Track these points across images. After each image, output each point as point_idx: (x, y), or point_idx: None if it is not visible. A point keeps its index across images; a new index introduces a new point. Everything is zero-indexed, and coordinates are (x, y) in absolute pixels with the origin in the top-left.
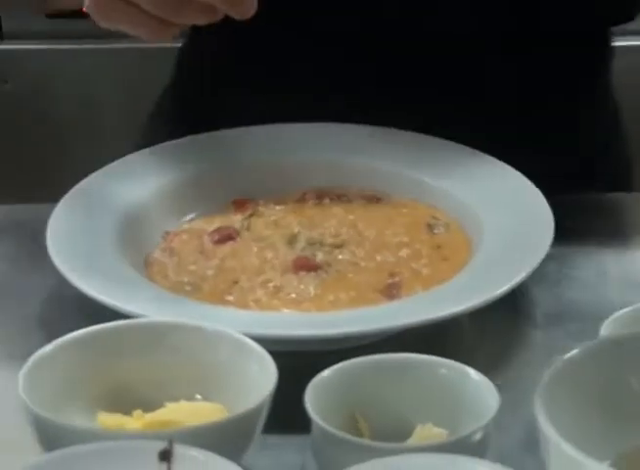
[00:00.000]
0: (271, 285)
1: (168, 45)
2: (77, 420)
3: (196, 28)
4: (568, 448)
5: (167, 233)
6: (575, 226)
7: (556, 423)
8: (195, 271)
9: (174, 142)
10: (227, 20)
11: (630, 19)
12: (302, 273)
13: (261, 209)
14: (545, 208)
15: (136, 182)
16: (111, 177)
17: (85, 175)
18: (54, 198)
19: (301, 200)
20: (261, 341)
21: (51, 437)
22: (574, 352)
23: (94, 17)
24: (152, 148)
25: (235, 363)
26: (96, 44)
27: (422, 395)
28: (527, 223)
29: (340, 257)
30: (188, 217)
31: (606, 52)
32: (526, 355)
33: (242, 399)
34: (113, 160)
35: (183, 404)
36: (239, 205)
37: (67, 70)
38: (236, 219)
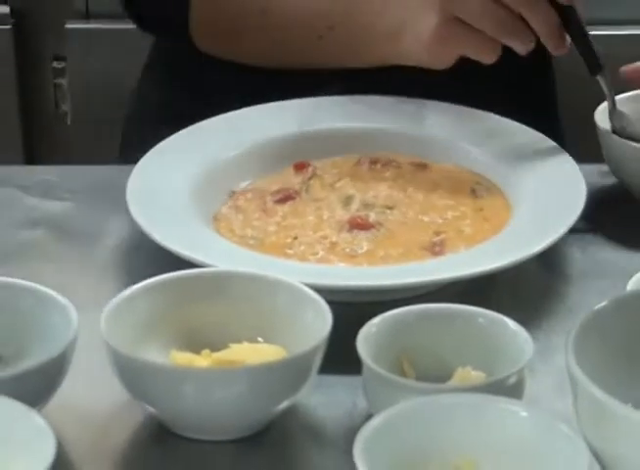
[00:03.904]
0: (328, 241)
1: None
2: (152, 357)
3: None
4: (595, 391)
5: (234, 192)
6: (604, 191)
7: (585, 368)
8: (258, 227)
9: (242, 110)
10: None
11: None
12: (356, 231)
13: (319, 172)
14: (577, 173)
15: (207, 146)
16: (184, 141)
17: (160, 140)
18: (131, 160)
19: (357, 165)
20: (318, 290)
21: (129, 372)
22: (603, 303)
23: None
24: (222, 115)
25: (294, 310)
26: None
27: (462, 341)
28: (562, 187)
29: (390, 217)
30: (252, 179)
31: None
32: (559, 308)
33: (299, 342)
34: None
35: (246, 346)
36: (299, 168)
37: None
38: (296, 181)
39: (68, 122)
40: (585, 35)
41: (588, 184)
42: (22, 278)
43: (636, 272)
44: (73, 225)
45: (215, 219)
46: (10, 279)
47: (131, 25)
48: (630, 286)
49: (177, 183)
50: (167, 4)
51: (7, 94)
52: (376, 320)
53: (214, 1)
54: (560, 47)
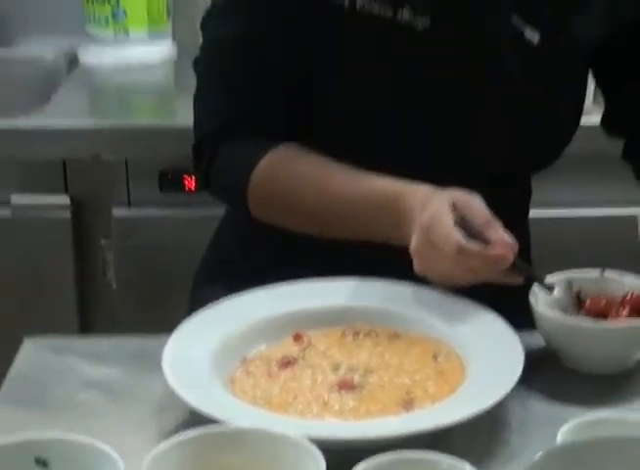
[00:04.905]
0: (321, 400)
1: None
2: None
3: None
4: None
5: (245, 359)
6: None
7: None
8: (265, 389)
9: (252, 294)
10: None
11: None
12: (344, 391)
13: (314, 341)
14: (516, 341)
15: (223, 322)
16: (205, 318)
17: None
18: (167, 330)
19: (342, 336)
20: (315, 441)
21: None
22: (540, 454)
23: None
24: (234, 298)
25: (295, 458)
26: (196, 212)
27: None
28: (504, 353)
29: (370, 379)
30: (260, 348)
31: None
32: (503, 453)
33: None
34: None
35: None
36: (297, 337)
37: (176, 231)
38: (294, 350)
39: (114, 287)
40: (526, 269)
41: (525, 349)
42: (81, 432)
43: (565, 422)
44: (119, 387)
45: (231, 382)
46: (72, 436)
47: (161, 213)
48: (560, 436)
49: (200, 353)
50: (231, 179)
51: (65, 267)
52: (360, 467)
53: (271, 185)
54: (513, 280)
